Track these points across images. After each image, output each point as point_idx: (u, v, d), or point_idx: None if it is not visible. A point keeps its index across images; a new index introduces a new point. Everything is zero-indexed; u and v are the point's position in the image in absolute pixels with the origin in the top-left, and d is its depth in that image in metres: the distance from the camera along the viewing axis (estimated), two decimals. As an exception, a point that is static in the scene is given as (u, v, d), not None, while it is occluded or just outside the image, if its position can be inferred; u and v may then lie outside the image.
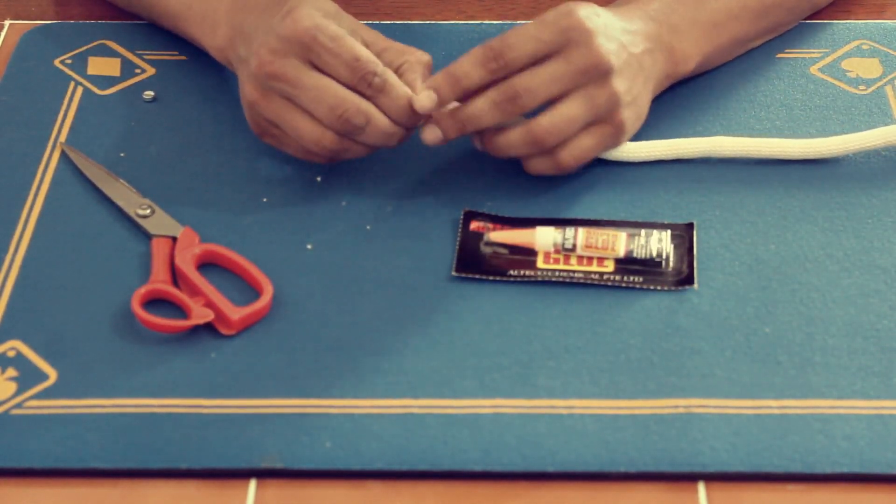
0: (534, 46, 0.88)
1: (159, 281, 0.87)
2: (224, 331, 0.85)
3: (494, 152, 0.92)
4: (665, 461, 0.78)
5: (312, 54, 0.88)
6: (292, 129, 0.90)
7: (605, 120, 0.91)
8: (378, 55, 0.91)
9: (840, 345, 0.84)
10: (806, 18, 1.09)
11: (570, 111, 0.89)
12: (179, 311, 0.87)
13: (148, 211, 0.92)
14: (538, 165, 0.92)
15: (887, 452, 0.79)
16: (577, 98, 0.89)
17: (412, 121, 0.90)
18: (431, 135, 0.90)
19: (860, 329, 0.85)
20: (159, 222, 0.92)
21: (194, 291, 0.87)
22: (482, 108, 0.89)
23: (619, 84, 0.90)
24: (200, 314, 0.85)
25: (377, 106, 0.89)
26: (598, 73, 0.89)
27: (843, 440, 0.79)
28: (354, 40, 0.89)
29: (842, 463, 0.78)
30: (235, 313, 0.85)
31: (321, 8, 0.90)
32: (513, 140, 0.90)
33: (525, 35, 0.88)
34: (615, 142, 0.93)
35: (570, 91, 0.89)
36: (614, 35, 0.91)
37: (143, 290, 0.87)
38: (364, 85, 0.88)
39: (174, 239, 0.90)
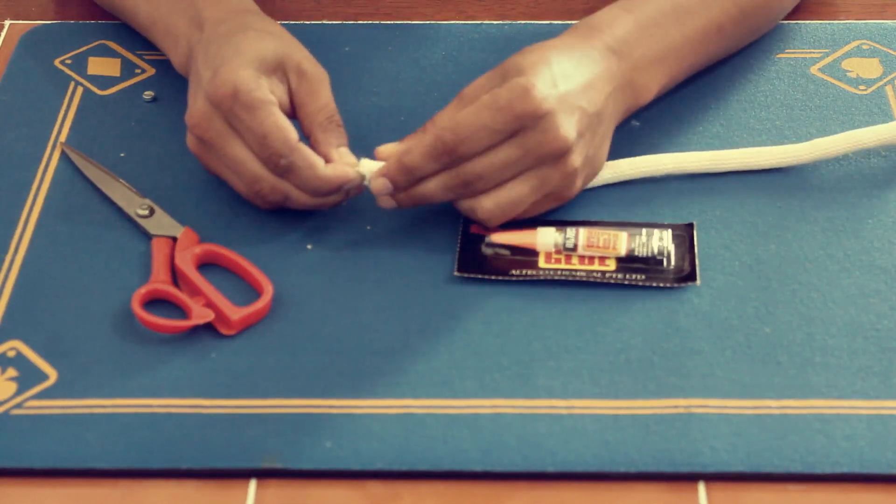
0: (487, 138, 0.85)
1: (159, 281, 0.87)
2: (224, 331, 0.85)
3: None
4: (665, 461, 0.78)
5: (232, 120, 0.87)
6: (231, 183, 0.91)
7: (555, 194, 0.89)
8: (303, 108, 0.90)
9: (840, 345, 0.84)
10: (806, 18, 1.09)
11: (519, 195, 0.88)
12: (179, 311, 0.87)
13: (148, 211, 0.92)
14: (472, 212, 0.90)
15: (887, 452, 0.79)
16: (530, 179, 0.87)
17: (330, 192, 0.88)
18: (387, 204, 0.89)
19: (860, 329, 0.85)
20: (159, 222, 0.92)
21: (194, 291, 0.87)
22: (435, 191, 0.88)
23: (576, 160, 0.88)
24: (200, 314, 0.85)
25: (291, 182, 0.88)
26: (555, 156, 0.87)
27: (843, 440, 0.79)
28: (270, 110, 0.86)
29: (842, 463, 0.78)
30: (235, 313, 0.85)
31: (256, 56, 0.88)
32: (457, 206, 0.89)
33: (478, 125, 0.85)
34: (563, 202, 0.91)
35: (523, 171, 0.87)
36: (573, 102, 0.87)
37: (143, 290, 0.86)
38: (271, 165, 0.87)
39: (174, 239, 0.90)
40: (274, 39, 0.91)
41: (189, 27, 0.95)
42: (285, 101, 0.90)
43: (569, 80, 0.88)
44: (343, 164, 0.89)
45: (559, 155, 0.87)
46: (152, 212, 0.92)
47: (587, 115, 0.88)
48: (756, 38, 1.05)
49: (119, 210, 0.93)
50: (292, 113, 0.91)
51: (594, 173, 0.92)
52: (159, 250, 0.89)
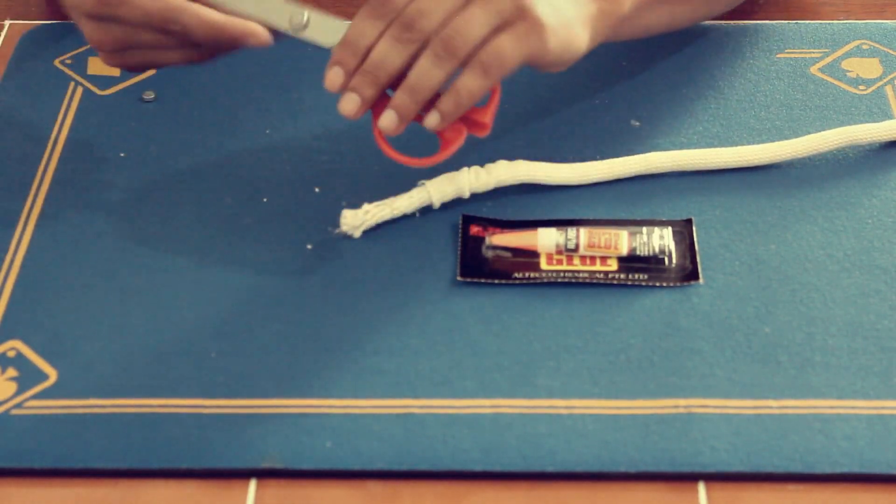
0: None
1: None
2: (480, 133, 0.86)
3: (424, 101, 0.86)
4: (665, 461, 0.78)
5: (114, 18, 0.87)
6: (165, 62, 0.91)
7: (516, 18, 0.84)
8: None
9: (840, 345, 0.84)
10: (806, 18, 1.09)
11: (469, 14, 0.83)
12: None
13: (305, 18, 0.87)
14: (469, 82, 0.84)
15: (887, 452, 0.79)
16: (477, 3, 0.83)
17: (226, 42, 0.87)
18: (349, 105, 0.85)
19: (860, 329, 0.85)
20: (323, 26, 0.87)
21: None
22: (386, 52, 0.83)
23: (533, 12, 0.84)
24: (454, 135, 0.85)
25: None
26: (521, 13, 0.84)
27: (843, 440, 0.79)
28: None
29: (842, 463, 0.78)
30: (484, 114, 0.85)
31: None
32: (425, 65, 0.84)
33: None
34: (539, 40, 0.85)
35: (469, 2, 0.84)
36: None
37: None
38: (171, 34, 0.87)
39: None
40: None
41: None
42: None
43: None
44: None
45: None
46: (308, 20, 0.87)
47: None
48: (728, 8, 1.05)
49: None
50: None
51: (565, 27, 0.87)
52: None
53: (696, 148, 0.97)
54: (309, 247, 0.91)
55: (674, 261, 0.89)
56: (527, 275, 0.88)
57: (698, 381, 0.82)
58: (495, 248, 0.90)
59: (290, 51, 0.96)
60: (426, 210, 0.93)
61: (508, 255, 0.90)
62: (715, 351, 0.84)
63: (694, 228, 0.91)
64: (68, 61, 1.06)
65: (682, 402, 0.81)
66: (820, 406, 0.81)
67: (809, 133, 0.98)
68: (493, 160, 0.94)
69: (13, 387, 0.83)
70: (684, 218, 0.92)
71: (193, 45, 0.89)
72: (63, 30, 1.09)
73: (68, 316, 0.87)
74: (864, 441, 0.79)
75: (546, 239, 0.89)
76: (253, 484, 0.79)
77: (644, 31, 1.01)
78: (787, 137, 0.98)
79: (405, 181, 0.94)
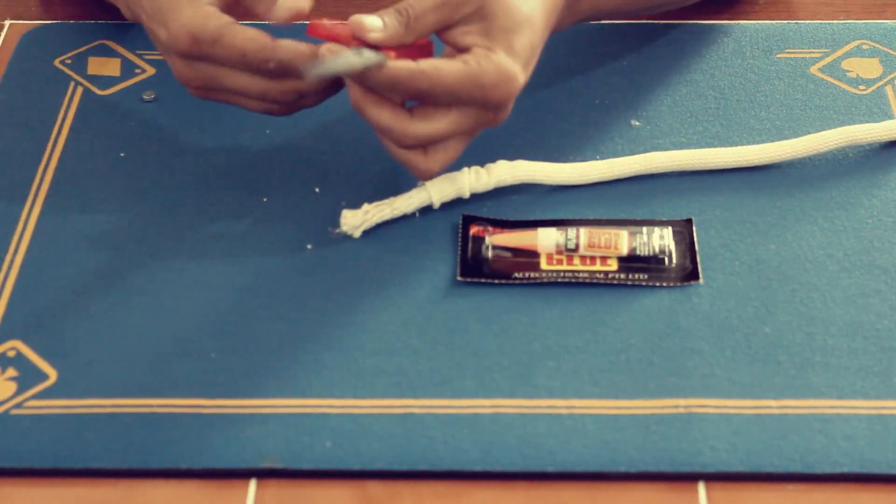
0: (452, 98, 0.86)
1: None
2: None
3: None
4: (665, 461, 0.78)
5: (211, 58, 0.88)
6: (248, 108, 0.91)
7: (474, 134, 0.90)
8: None
9: (840, 345, 0.84)
10: (806, 18, 1.09)
11: (453, 144, 0.88)
12: None
13: None
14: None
15: (887, 452, 0.79)
16: (465, 120, 0.87)
17: (328, 79, 0.88)
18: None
19: (860, 329, 0.85)
20: None
21: None
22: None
23: (511, 107, 0.88)
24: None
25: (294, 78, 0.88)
26: (493, 120, 0.88)
27: (843, 440, 0.79)
28: (233, 30, 0.87)
29: (842, 463, 0.78)
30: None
31: None
32: (381, 117, 0.87)
33: (451, 92, 0.85)
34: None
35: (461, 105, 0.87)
36: (529, 71, 0.88)
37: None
38: (266, 74, 0.88)
39: None
40: None
41: None
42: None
43: (535, 53, 0.89)
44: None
45: (496, 122, 0.88)
46: None
47: (526, 74, 0.88)
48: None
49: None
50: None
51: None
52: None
53: (696, 148, 0.97)
54: (309, 247, 0.91)
55: (674, 261, 0.89)
56: (527, 275, 0.88)
57: (698, 381, 0.82)
58: (495, 248, 0.90)
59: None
60: (426, 210, 0.93)
61: (508, 255, 0.90)
62: (715, 351, 0.84)
63: (694, 228, 0.91)
64: (68, 61, 1.06)
65: (682, 402, 0.81)
66: (820, 406, 0.81)
67: (809, 133, 0.98)
68: (493, 160, 0.94)
69: (13, 387, 0.83)
70: (684, 218, 0.92)
71: (274, 101, 0.90)
72: (63, 30, 1.09)
73: (68, 316, 0.87)
74: (864, 441, 0.79)
75: (546, 239, 0.89)
76: (253, 484, 0.79)
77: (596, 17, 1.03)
78: (787, 137, 0.98)
79: (405, 181, 0.94)
